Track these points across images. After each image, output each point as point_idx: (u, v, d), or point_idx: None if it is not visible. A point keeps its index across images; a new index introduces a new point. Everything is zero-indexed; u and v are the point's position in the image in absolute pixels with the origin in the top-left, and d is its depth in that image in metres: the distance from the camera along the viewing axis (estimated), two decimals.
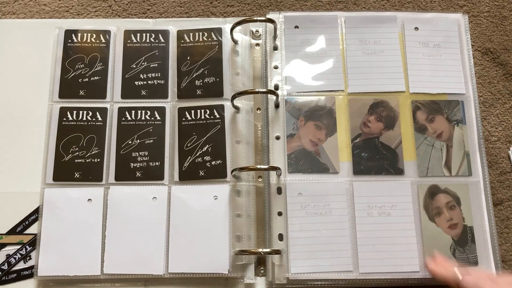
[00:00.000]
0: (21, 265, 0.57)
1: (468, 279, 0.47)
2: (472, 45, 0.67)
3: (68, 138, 0.60)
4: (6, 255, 0.57)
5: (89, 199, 0.58)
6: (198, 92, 0.62)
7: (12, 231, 0.58)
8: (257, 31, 0.66)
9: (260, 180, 0.60)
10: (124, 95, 0.62)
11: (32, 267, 0.57)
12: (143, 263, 0.56)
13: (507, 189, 0.62)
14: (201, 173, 0.59)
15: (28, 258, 0.57)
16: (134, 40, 0.65)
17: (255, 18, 0.61)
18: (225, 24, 0.65)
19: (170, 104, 0.62)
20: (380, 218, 0.57)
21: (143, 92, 0.63)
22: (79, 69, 0.63)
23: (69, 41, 0.64)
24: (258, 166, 0.57)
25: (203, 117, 0.61)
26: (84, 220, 0.57)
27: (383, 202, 0.58)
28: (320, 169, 0.59)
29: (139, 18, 0.69)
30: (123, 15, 0.69)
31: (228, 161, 0.59)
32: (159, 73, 0.63)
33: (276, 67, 0.62)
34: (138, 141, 0.60)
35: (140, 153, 0.60)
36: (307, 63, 0.62)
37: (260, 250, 0.55)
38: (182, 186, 0.59)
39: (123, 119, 0.61)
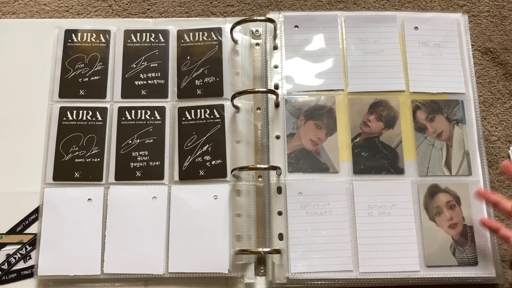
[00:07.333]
0: (21, 265, 0.57)
1: None
2: (472, 45, 0.67)
3: (68, 138, 0.60)
4: (6, 255, 0.57)
5: (89, 199, 0.58)
6: (198, 91, 0.62)
7: (12, 231, 0.58)
8: (257, 30, 0.66)
9: (260, 179, 0.60)
10: (124, 95, 0.62)
11: (32, 267, 0.57)
12: (143, 262, 0.56)
13: (507, 189, 0.62)
14: (201, 172, 0.59)
15: (28, 257, 0.57)
16: (134, 40, 0.65)
17: (255, 18, 0.61)
18: (225, 24, 0.65)
19: (170, 104, 0.62)
20: (380, 217, 0.57)
21: (143, 92, 0.63)
22: (79, 68, 0.63)
23: (69, 41, 0.64)
24: (258, 166, 0.57)
25: (203, 116, 0.61)
26: (84, 219, 0.57)
27: (383, 201, 0.58)
28: (320, 169, 0.59)
29: (139, 18, 0.69)
30: (123, 15, 0.69)
31: (228, 161, 0.59)
32: (159, 73, 0.63)
33: (276, 67, 0.62)
34: (138, 140, 0.60)
35: (140, 153, 0.60)
36: (307, 63, 0.62)
37: (260, 249, 0.55)
38: (182, 186, 0.59)
39: (123, 118, 0.61)
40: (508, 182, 0.62)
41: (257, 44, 0.65)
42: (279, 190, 0.58)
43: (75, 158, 0.60)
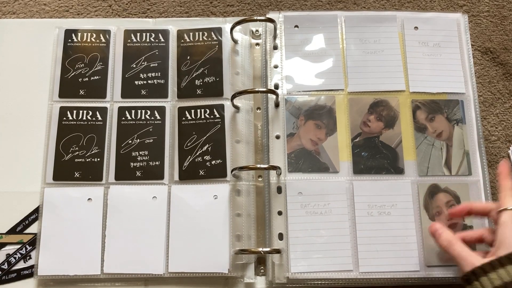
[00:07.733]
0: (21, 265, 0.57)
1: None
2: (472, 45, 0.67)
3: (68, 138, 0.60)
4: (6, 255, 0.57)
5: (89, 199, 0.58)
6: (198, 91, 0.62)
7: (12, 231, 0.58)
8: (257, 30, 0.66)
9: (260, 179, 0.60)
10: (124, 95, 0.62)
11: (32, 267, 0.57)
12: (143, 262, 0.56)
13: None
14: (201, 172, 0.59)
15: (28, 257, 0.57)
16: (134, 40, 0.65)
17: (255, 18, 0.61)
18: (225, 24, 0.65)
19: (170, 104, 0.62)
20: (380, 217, 0.57)
21: (143, 92, 0.63)
22: (79, 68, 0.63)
23: (69, 40, 0.64)
24: (258, 166, 0.57)
25: (203, 116, 0.61)
26: (84, 219, 0.57)
27: (383, 201, 0.58)
28: (320, 169, 0.59)
29: (139, 17, 0.69)
30: (123, 15, 0.69)
31: (228, 161, 0.59)
32: (159, 73, 0.63)
33: (276, 67, 0.62)
34: (138, 140, 0.60)
35: (140, 153, 0.60)
36: (307, 62, 0.62)
37: (260, 249, 0.55)
38: (182, 186, 0.59)
39: (123, 118, 0.61)
40: None
41: (257, 44, 0.66)
42: (279, 190, 0.58)
43: (75, 158, 0.60)
